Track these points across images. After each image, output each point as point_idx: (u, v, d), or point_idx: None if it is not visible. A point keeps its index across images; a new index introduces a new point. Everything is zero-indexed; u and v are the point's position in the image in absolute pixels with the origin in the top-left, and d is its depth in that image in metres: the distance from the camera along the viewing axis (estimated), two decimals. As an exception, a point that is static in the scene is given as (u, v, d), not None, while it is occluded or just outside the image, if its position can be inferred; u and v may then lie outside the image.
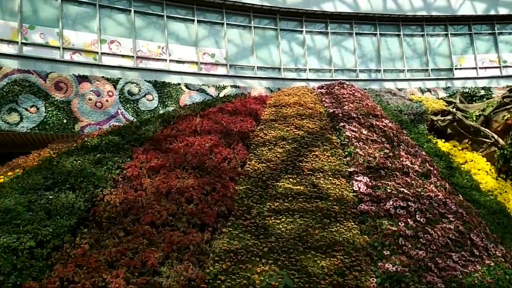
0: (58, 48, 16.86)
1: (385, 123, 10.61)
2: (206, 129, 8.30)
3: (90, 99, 17.08)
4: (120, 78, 17.77)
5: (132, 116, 17.71)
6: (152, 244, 5.66)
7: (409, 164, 9.02)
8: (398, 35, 22.30)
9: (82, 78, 17.06)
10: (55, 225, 5.59)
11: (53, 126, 16.22)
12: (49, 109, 16.25)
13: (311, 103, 11.00)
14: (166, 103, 18.42)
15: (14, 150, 19.43)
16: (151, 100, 18.32)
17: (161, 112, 17.83)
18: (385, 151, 9.15)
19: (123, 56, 18.09)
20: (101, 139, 7.45)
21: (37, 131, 16.07)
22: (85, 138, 7.68)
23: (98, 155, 7.02)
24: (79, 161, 6.75)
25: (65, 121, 16.45)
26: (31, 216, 5.60)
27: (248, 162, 8.08)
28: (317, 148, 8.70)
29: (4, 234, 5.28)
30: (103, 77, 17.63)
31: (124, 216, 6.17)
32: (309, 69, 20.54)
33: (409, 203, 7.42)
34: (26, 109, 15.86)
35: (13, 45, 16.40)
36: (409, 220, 7.04)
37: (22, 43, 16.22)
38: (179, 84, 18.92)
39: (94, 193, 6.39)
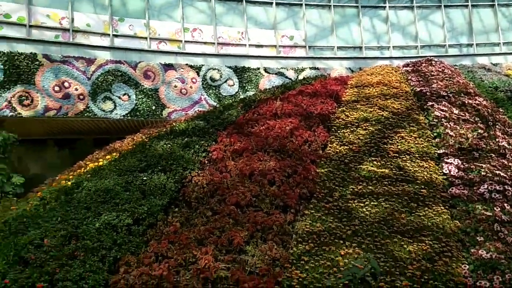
0: (146, 38, 17.86)
1: (478, 101, 9.84)
2: (287, 112, 8.33)
3: (175, 86, 17.94)
4: (203, 65, 18.42)
5: (215, 102, 18.32)
6: (238, 224, 5.86)
7: (506, 145, 8.32)
8: (492, 5, 20.38)
9: (168, 66, 17.96)
10: (150, 204, 6.00)
11: (143, 112, 17.33)
12: (139, 96, 17.37)
13: (395, 82, 10.52)
14: (246, 87, 18.77)
15: (109, 135, 21.11)
16: (232, 85, 18.77)
17: (241, 96, 18.24)
18: (479, 131, 8.52)
19: (205, 43, 18.69)
20: (188, 124, 7.82)
21: (129, 117, 17.29)
22: (173, 123, 8.12)
23: (185, 139, 7.39)
24: (169, 145, 7.16)
25: (153, 107, 17.49)
26: (128, 195, 6.07)
27: (329, 145, 7.99)
28: (403, 129, 8.34)
29: (105, 212, 5.79)
30: (187, 64, 18.39)
31: (211, 196, 6.46)
32: (393, 47, 19.62)
33: (506, 186, 6.87)
34: (119, 97, 17.09)
35: (105, 37, 17.68)
36: (505, 204, 6.53)
37: (113, 35, 17.42)
38: (258, 68, 19.15)
39: (183, 174, 6.75)
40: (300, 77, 18.32)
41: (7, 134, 15.14)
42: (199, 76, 18.33)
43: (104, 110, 16.80)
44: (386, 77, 11.07)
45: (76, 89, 16.36)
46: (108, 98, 16.94)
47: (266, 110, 8.37)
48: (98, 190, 6.19)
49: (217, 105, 15.61)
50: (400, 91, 10.14)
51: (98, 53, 16.94)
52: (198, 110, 14.85)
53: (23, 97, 15.43)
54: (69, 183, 6.95)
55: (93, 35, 17.46)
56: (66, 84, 16.20)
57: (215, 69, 18.54)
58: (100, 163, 7.62)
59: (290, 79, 18.81)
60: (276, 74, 19.02)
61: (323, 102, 9.03)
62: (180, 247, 5.46)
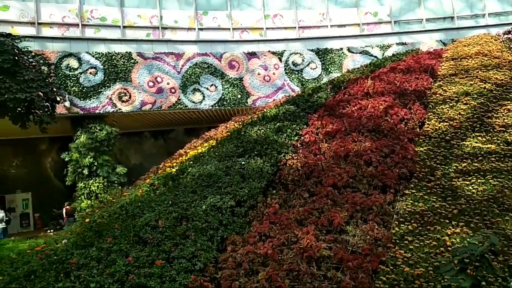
0: (229, 29, 18.35)
1: None
2: (379, 90, 8.09)
3: (259, 74, 18.24)
4: (285, 50, 18.48)
5: (297, 86, 18.34)
6: (336, 205, 5.89)
7: None
8: None
9: (251, 55, 18.30)
10: (249, 187, 6.25)
11: (230, 101, 17.90)
12: (225, 86, 17.95)
13: (496, 52, 9.70)
14: (329, 69, 18.51)
15: (198, 125, 22.13)
16: (315, 69, 18.62)
17: (324, 79, 18.05)
18: None
19: (286, 28, 18.71)
20: (278, 109, 7.95)
21: (216, 107, 17.97)
22: (264, 110, 8.30)
23: (277, 124, 7.54)
24: (262, 130, 7.36)
25: (239, 96, 17.98)
26: (229, 179, 6.37)
27: (427, 122, 7.65)
28: (509, 102, 7.71)
29: (210, 195, 6.14)
30: (269, 51, 18.57)
31: (307, 178, 6.55)
32: (489, 14, 18.05)
33: None
34: (207, 88, 17.82)
35: (191, 32, 18.45)
36: None
37: (198, 28, 18.12)
38: (341, 49, 18.77)
39: (278, 158, 6.91)
40: (387, 54, 17.64)
41: (110, 129, 16.58)
42: (281, 61, 18.44)
43: (194, 102, 17.63)
44: (485, 46, 10.24)
45: (168, 83, 17.35)
46: (197, 90, 17.73)
47: (357, 90, 8.20)
48: (202, 175, 6.57)
49: (301, 90, 15.64)
50: (503, 60, 9.34)
51: (185, 47, 17.75)
52: (284, 95, 14.95)
53: (122, 94, 16.71)
54: (173, 170, 7.44)
55: (180, 30, 18.31)
56: (158, 79, 17.24)
57: (297, 53, 18.51)
58: (199, 150, 8.04)
59: (375, 57, 18.19)
60: (360, 53, 18.51)
61: (418, 78, 8.61)
62: (282, 227, 5.63)
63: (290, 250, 5.30)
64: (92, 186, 15.73)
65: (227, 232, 5.60)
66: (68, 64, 15.77)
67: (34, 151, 19.32)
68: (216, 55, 17.84)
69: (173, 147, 21.29)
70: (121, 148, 19.95)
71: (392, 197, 6.06)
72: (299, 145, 7.34)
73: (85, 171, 15.75)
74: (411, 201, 5.97)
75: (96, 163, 15.89)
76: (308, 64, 18.48)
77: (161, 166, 9.18)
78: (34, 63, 7.50)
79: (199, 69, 17.65)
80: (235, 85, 17.96)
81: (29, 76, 6.93)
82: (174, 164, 7.96)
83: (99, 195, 15.71)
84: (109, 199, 8.16)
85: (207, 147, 8.12)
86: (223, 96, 17.85)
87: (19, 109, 7.65)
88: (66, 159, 16.02)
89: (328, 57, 18.49)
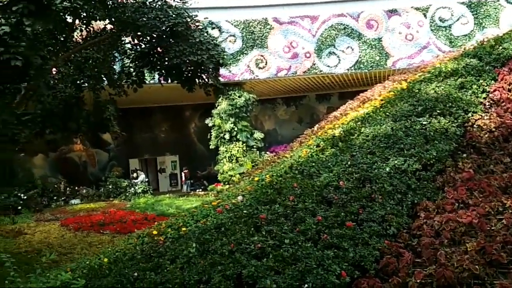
0: (367, -15, 17.17)
1: None
2: None
3: (400, 33, 16.88)
4: (430, 5, 16.81)
5: (445, 44, 16.63)
6: (551, 171, 5.01)
7: None
8: None
9: (391, 12, 16.97)
10: (436, 150, 5.62)
11: (367, 64, 16.95)
12: (362, 48, 16.99)
13: None
14: (483, 24, 16.40)
15: (330, 91, 21.52)
16: (465, 24, 16.65)
17: (477, 35, 16.05)
18: None
19: (432, -21, 16.94)
20: (457, 63, 7.06)
21: (352, 70, 17.17)
22: (438, 65, 7.47)
23: (459, 80, 6.69)
24: (442, 87, 6.59)
25: (377, 58, 16.90)
26: (411, 140, 5.81)
27: None
28: None
29: (391, 157, 5.66)
30: (411, 7, 17.05)
31: (505, 141, 5.70)
32: None
33: None
34: (343, 51, 17.06)
35: (327, -8, 17.68)
36: None
37: (334, -13, 17.28)
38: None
39: (465, 118, 6.13)
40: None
41: (248, 95, 16.94)
42: (426, 18, 16.81)
43: (329, 66, 17.06)
44: None
45: (303, 48, 16.99)
46: (332, 53, 17.10)
47: (556, 38, 6.89)
48: (377, 136, 6.10)
49: (451, 48, 14.09)
50: None
51: (321, 8, 17.12)
52: (432, 56, 13.57)
53: (259, 60, 16.84)
54: (335, 131, 7.10)
55: (314, -9, 17.65)
56: (294, 44, 16.97)
57: (444, 7, 16.68)
58: (361, 112, 7.57)
59: (542, 6, 15.61)
60: (522, 3, 16.03)
61: None
62: (484, 195, 4.97)
63: (498, 220, 4.64)
64: (232, 150, 16.36)
65: (417, 197, 5.12)
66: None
67: (180, 117, 20.77)
68: (353, 15, 16.91)
69: (304, 113, 21.19)
70: (256, 115, 20.39)
71: None
72: (487, 103, 6.43)
73: (226, 136, 16.42)
74: None
75: (236, 129, 16.45)
76: (458, 19, 16.56)
77: (315, 129, 8.95)
78: (201, 27, 7.66)
79: (335, 31, 16.94)
80: (373, 46, 16.92)
81: (199, 38, 7.08)
82: (336, 126, 7.62)
83: (239, 158, 16.31)
84: (273, 159, 8.23)
85: (368, 108, 7.60)
86: (359, 59, 16.99)
87: (186, 72, 7.93)
88: (210, 124, 16.86)
89: (482, 10, 16.33)
